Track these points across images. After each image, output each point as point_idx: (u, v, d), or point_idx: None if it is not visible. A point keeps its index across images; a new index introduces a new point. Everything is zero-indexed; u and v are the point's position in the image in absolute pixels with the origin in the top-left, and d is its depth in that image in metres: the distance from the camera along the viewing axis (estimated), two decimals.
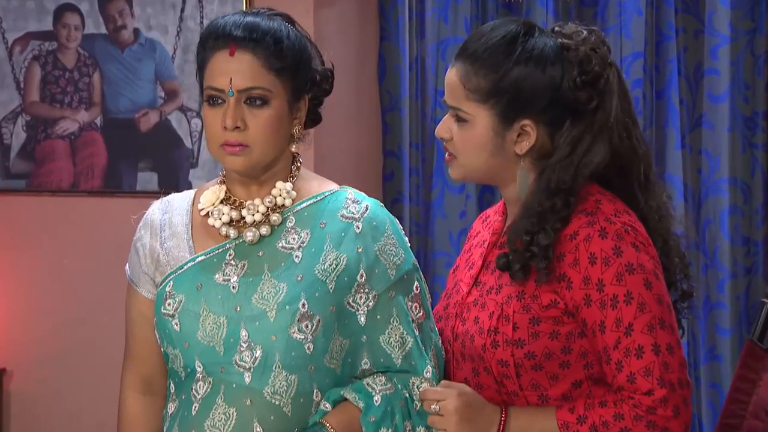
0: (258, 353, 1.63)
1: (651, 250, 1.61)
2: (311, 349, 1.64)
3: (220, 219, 1.67)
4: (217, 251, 1.67)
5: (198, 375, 1.65)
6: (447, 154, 1.69)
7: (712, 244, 2.91)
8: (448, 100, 1.67)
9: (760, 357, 2.39)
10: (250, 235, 1.65)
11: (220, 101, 1.63)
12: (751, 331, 2.48)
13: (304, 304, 1.63)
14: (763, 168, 2.93)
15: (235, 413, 1.63)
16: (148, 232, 1.73)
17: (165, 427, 1.71)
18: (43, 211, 3.14)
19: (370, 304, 1.65)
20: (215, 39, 1.64)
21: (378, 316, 1.66)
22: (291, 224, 1.67)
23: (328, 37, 2.97)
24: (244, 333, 1.63)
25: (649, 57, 2.93)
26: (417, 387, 1.67)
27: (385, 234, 1.68)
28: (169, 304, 1.67)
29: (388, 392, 1.65)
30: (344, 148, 3.08)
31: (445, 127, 1.67)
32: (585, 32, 1.64)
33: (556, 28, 1.67)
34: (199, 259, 1.67)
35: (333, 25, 2.98)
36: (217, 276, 1.66)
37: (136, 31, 3.05)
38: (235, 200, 1.69)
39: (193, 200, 1.72)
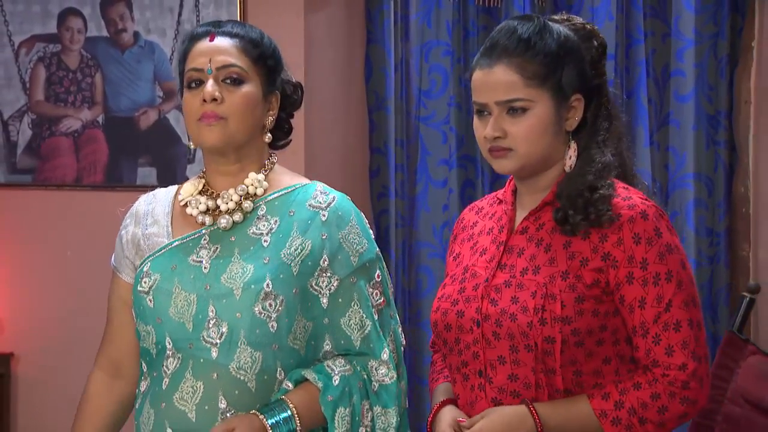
0: (224, 329, 1.67)
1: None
2: (275, 328, 1.67)
3: (197, 208, 1.74)
4: (193, 236, 1.74)
5: (168, 352, 1.70)
6: (497, 150, 1.67)
7: (679, 234, 2.96)
8: (501, 96, 1.66)
9: (738, 347, 2.51)
10: (223, 221, 1.72)
11: (199, 82, 1.69)
12: (731, 323, 2.64)
13: (268, 284, 1.67)
14: (725, 163, 2.97)
15: (202, 387, 1.67)
16: (132, 221, 1.80)
17: (137, 405, 1.77)
18: (48, 205, 3.17)
19: (333, 287, 1.71)
20: (197, 33, 1.73)
21: (339, 300, 1.71)
22: (262, 212, 1.73)
23: (317, 39, 3.00)
24: (212, 310, 1.68)
25: (619, 59, 2.95)
26: (375, 369, 1.70)
27: (350, 224, 1.74)
28: (145, 282, 1.73)
29: (346, 373, 1.68)
30: (333, 145, 3.11)
31: (496, 126, 1.67)
32: (574, 17, 1.74)
33: (556, 17, 1.74)
34: (176, 243, 1.74)
35: (322, 28, 3.02)
36: (190, 258, 1.72)
37: (136, 34, 3.09)
38: (212, 191, 1.75)
39: (176, 193, 1.80)
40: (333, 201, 1.76)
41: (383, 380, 1.71)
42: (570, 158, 1.69)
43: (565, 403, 1.64)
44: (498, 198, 1.81)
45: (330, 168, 3.03)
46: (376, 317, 1.73)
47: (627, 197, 1.66)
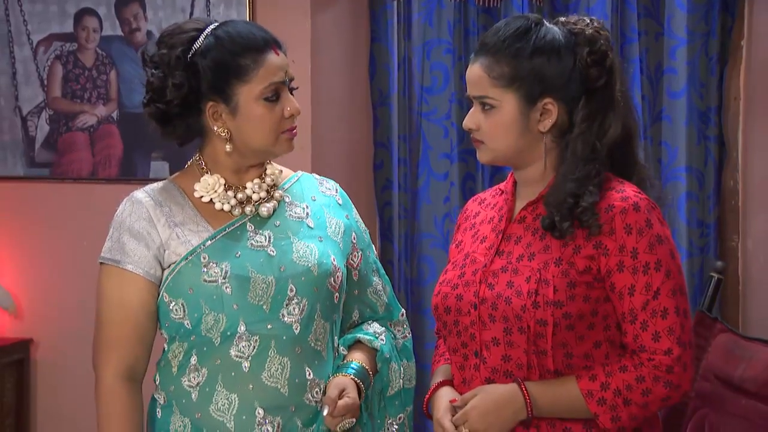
0: (304, 306, 1.73)
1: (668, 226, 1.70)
2: (337, 299, 1.79)
3: (228, 203, 1.76)
4: (235, 225, 1.76)
5: (239, 336, 1.70)
6: (474, 141, 1.74)
7: (671, 226, 2.85)
8: (474, 92, 1.71)
9: (708, 326, 2.54)
10: (264, 209, 1.77)
11: (276, 96, 1.71)
12: (700, 302, 2.69)
13: (333, 259, 1.78)
14: (715, 158, 2.97)
15: (288, 362, 1.72)
16: (148, 221, 1.74)
17: (191, 397, 1.71)
18: (65, 197, 3.21)
19: (359, 261, 1.85)
20: (256, 44, 1.71)
21: (365, 272, 1.86)
22: (288, 199, 1.81)
23: (323, 38, 3.03)
24: (291, 289, 1.73)
25: (614, 57, 3.01)
26: (395, 328, 1.88)
27: (352, 205, 1.90)
28: (213, 272, 1.70)
29: (386, 334, 1.85)
30: (338, 139, 3.13)
31: (473, 119, 1.72)
32: (587, 19, 1.73)
33: (561, 19, 1.74)
34: (226, 231, 1.75)
35: (328, 28, 3.04)
36: (249, 244, 1.74)
37: (149, 33, 3.12)
38: (234, 186, 1.77)
39: (180, 189, 1.78)
40: (336, 186, 1.90)
41: (404, 338, 1.89)
42: (546, 158, 1.70)
43: (554, 383, 1.66)
44: (500, 189, 1.85)
45: (335, 162, 3.07)
46: (390, 282, 1.91)
47: (621, 190, 1.67)
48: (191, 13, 3.10)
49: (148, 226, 1.74)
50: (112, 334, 1.73)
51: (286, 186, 1.84)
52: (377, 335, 1.84)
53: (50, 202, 3.24)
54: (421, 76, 3.15)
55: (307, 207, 1.83)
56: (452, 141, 3.15)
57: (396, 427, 1.85)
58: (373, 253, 1.90)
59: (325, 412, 1.72)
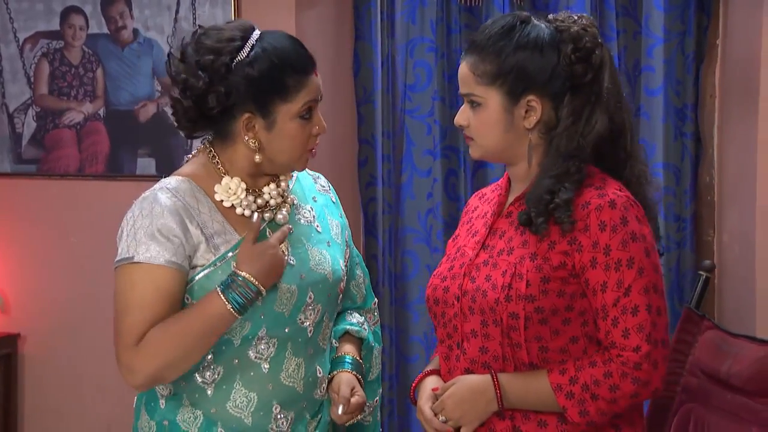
0: (318, 310, 1.78)
1: (648, 224, 1.67)
2: (340, 300, 1.86)
3: (249, 208, 1.75)
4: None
5: (258, 338, 1.72)
6: (465, 137, 1.75)
7: None
8: (462, 90, 1.72)
9: (695, 322, 2.56)
10: (280, 216, 1.77)
11: (310, 115, 1.73)
12: (689, 299, 2.74)
13: (341, 264, 1.83)
14: (691, 154, 2.99)
15: (303, 362, 1.77)
16: (179, 223, 1.69)
17: (205, 393, 1.71)
18: (52, 194, 3.23)
19: (348, 257, 1.89)
20: (304, 65, 1.72)
21: (351, 266, 1.90)
22: (296, 202, 1.83)
23: (308, 36, 3.00)
24: (309, 296, 1.76)
25: (604, 53, 2.97)
26: (369, 316, 1.94)
27: (338, 200, 1.93)
28: None
29: (366, 323, 1.92)
30: (323, 136, 3.10)
31: (463, 115, 1.73)
32: (575, 16, 1.72)
33: (550, 17, 1.73)
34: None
35: (313, 26, 3.05)
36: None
37: (135, 31, 3.13)
38: (254, 190, 1.77)
39: (202, 191, 1.73)
40: (327, 182, 1.94)
41: (375, 324, 1.95)
42: (529, 154, 1.71)
43: (526, 375, 1.67)
44: (498, 184, 1.85)
45: (320, 158, 2.94)
46: (367, 271, 1.96)
47: (600, 187, 1.67)
48: (177, 11, 3.10)
49: (179, 227, 1.69)
50: (142, 317, 1.65)
51: (290, 187, 1.85)
52: (361, 325, 1.91)
53: (37, 198, 3.25)
54: (405, 73, 3.17)
55: (311, 209, 1.86)
56: (435, 138, 3.18)
57: (371, 409, 1.90)
58: (353, 245, 1.95)
59: (340, 411, 1.77)
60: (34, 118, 3.25)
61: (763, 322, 2.70)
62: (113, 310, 1.71)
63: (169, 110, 3.08)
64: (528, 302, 1.65)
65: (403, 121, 3.20)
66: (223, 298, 1.67)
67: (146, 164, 3.17)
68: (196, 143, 3.00)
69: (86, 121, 3.21)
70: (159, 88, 3.16)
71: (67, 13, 3.20)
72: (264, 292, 1.69)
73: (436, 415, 1.73)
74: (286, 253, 1.74)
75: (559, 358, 1.67)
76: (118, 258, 1.72)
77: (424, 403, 1.75)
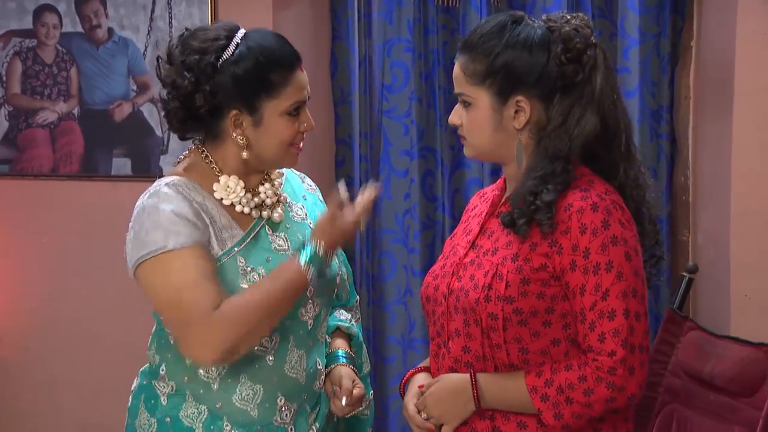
0: (318, 305, 1.83)
1: (634, 228, 1.66)
2: (335, 295, 1.92)
3: (248, 206, 1.79)
4: (256, 228, 1.80)
5: None
6: (461, 137, 1.76)
7: None
8: (455, 89, 1.73)
9: (678, 323, 2.58)
10: (276, 214, 1.82)
11: (297, 112, 1.75)
12: (672, 301, 2.76)
13: (336, 260, 1.88)
14: (667, 154, 3.00)
15: (304, 354, 1.82)
16: (195, 214, 1.73)
17: (210, 387, 1.74)
18: (26, 194, 3.21)
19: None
20: (289, 61, 1.73)
21: (338, 262, 1.93)
22: (288, 200, 1.88)
23: (285, 36, 3.03)
24: (309, 291, 1.80)
25: (597, 54, 2.94)
26: (351, 312, 1.99)
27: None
28: (254, 278, 1.74)
29: (352, 319, 1.98)
30: None
31: (456, 115, 1.74)
32: (569, 16, 1.71)
33: (544, 16, 1.73)
34: (252, 234, 1.79)
35: (290, 26, 3.02)
36: (274, 248, 1.80)
37: (110, 30, 3.11)
38: (251, 189, 1.81)
39: (204, 189, 1.77)
40: (312, 182, 1.98)
41: (357, 320, 2.02)
42: (519, 155, 1.71)
43: (505, 376, 1.67)
44: (498, 184, 1.86)
45: (299, 158, 3.11)
46: (351, 272, 2.00)
47: (585, 189, 1.66)
48: (152, 10, 3.09)
49: (195, 216, 1.73)
50: (204, 289, 1.66)
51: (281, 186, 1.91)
52: (349, 321, 1.97)
53: (10, 198, 3.24)
54: (382, 74, 3.17)
55: (303, 207, 1.90)
56: (412, 138, 3.18)
57: (368, 403, 1.94)
58: None
59: (343, 402, 1.81)
60: (7, 118, 3.22)
61: (737, 323, 2.71)
62: (156, 303, 1.69)
63: (144, 110, 3.17)
64: (507, 303, 1.65)
65: (381, 121, 3.21)
66: (304, 267, 1.71)
67: (122, 164, 3.15)
68: (173, 143, 3.11)
69: (60, 121, 3.19)
70: (134, 88, 3.15)
71: (40, 11, 3.18)
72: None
73: (419, 412, 1.74)
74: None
75: (540, 360, 1.67)
76: (146, 252, 1.70)
77: (410, 399, 1.77)
